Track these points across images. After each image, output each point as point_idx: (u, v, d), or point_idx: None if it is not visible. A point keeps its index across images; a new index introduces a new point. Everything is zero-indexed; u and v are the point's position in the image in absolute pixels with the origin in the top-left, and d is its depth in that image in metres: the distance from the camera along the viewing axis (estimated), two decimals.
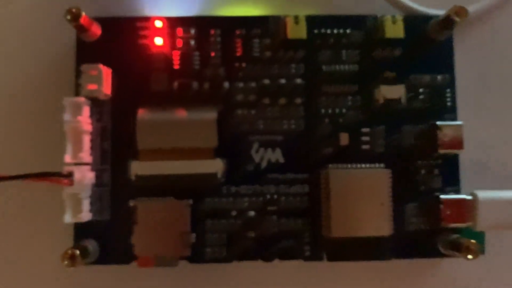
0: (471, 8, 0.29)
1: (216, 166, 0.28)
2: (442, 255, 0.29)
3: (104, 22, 0.29)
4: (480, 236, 0.30)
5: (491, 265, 0.31)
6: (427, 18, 0.30)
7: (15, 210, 0.30)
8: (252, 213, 0.29)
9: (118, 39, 0.29)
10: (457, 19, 0.28)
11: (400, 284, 0.31)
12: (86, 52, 0.29)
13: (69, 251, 0.26)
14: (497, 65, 0.32)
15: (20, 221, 0.30)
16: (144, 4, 0.31)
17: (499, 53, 0.32)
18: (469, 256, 0.27)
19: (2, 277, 0.30)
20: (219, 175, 0.28)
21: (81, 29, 0.28)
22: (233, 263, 0.28)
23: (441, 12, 0.30)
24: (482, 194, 0.29)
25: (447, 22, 0.28)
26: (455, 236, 0.29)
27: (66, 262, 0.26)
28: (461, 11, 0.28)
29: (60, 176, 0.27)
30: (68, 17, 0.27)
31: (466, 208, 0.29)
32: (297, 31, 0.29)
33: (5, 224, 0.30)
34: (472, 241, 0.27)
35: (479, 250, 0.27)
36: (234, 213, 0.29)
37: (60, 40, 0.30)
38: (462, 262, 0.30)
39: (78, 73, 0.28)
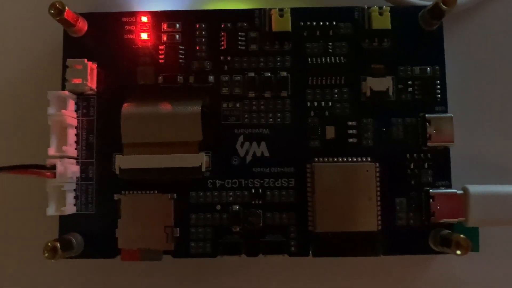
0: None
1: (200, 159, 0.28)
2: (434, 252, 0.28)
3: (90, 17, 0.29)
4: (474, 233, 0.29)
5: (486, 262, 0.30)
6: (415, 9, 0.29)
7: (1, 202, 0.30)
8: (237, 207, 0.28)
9: (104, 34, 0.30)
10: (445, 7, 0.27)
11: (390, 281, 0.30)
12: (73, 47, 0.29)
13: (50, 244, 0.26)
14: (487, 56, 0.31)
15: (6, 213, 0.30)
16: None
17: (490, 44, 0.31)
18: (458, 252, 0.26)
19: None
20: (203, 169, 0.28)
21: (66, 24, 0.28)
22: (218, 257, 0.28)
23: (429, 3, 0.29)
24: (474, 189, 0.28)
25: (436, 12, 0.28)
26: (446, 231, 0.28)
27: (46, 254, 0.26)
28: (449, 0, 0.27)
29: (42, 169, 0.27)
30: (52, 11, 0.27)
31: (457, 203, 0.28)
32: (282, 24, 0.29)
33: None
34: (462, 236, 0.26)
35: (470, 246, 0.26)
36: (218, 207, 0.29)
37: (48, 36, 0.31)
38: (455, 260, 0.29)
39: (64, 68, 0.29)
